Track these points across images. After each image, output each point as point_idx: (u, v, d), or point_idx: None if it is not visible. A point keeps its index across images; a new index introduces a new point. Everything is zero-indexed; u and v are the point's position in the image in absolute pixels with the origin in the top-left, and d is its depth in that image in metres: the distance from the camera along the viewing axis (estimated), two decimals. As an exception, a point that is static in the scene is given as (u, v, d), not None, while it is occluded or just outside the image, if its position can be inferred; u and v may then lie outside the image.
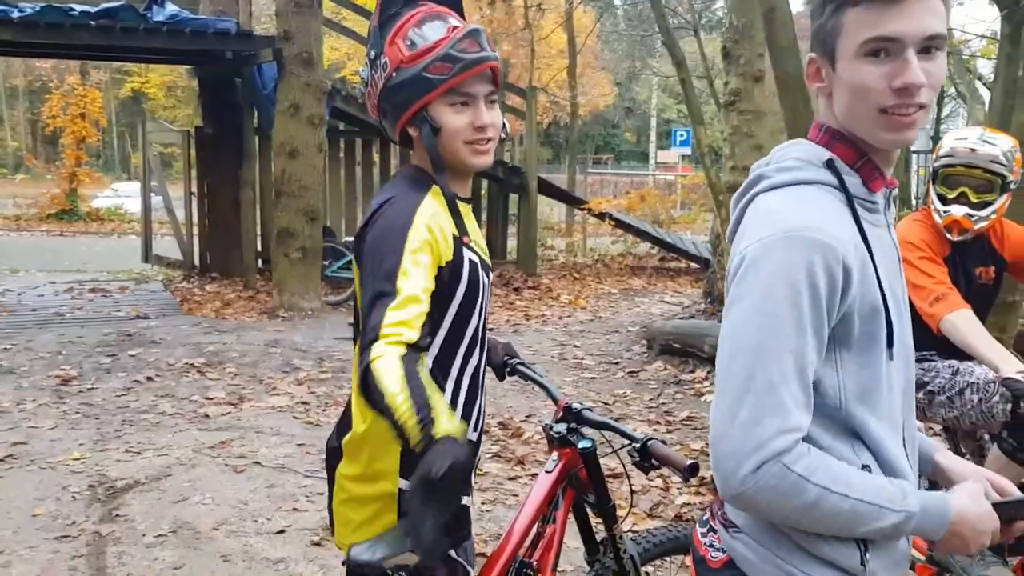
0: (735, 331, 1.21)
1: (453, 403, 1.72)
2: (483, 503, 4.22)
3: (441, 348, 1.70)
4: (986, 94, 11.74)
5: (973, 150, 2.82)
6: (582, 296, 11.02)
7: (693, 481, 4.53)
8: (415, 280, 1.54)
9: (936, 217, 2.89)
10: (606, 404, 6.09)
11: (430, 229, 1.62)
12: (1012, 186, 2.86)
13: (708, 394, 6.24)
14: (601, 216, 13.61)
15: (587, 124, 33.34)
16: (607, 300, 10.97)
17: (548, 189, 13.54)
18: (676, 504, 4.27)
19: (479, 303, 1.74)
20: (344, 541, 1.74)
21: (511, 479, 4.57)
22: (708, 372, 6.64)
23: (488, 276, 1.78)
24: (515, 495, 4.33)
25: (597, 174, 28.39)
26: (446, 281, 1.65)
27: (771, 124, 8.93)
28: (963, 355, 2.79)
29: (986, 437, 2.97)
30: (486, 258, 1.78)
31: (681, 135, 24.27)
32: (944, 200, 2.87)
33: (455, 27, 1.68)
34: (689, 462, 1.92)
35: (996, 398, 2.67)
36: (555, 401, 2.21)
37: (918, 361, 2.99)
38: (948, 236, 2.87)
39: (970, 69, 11.65)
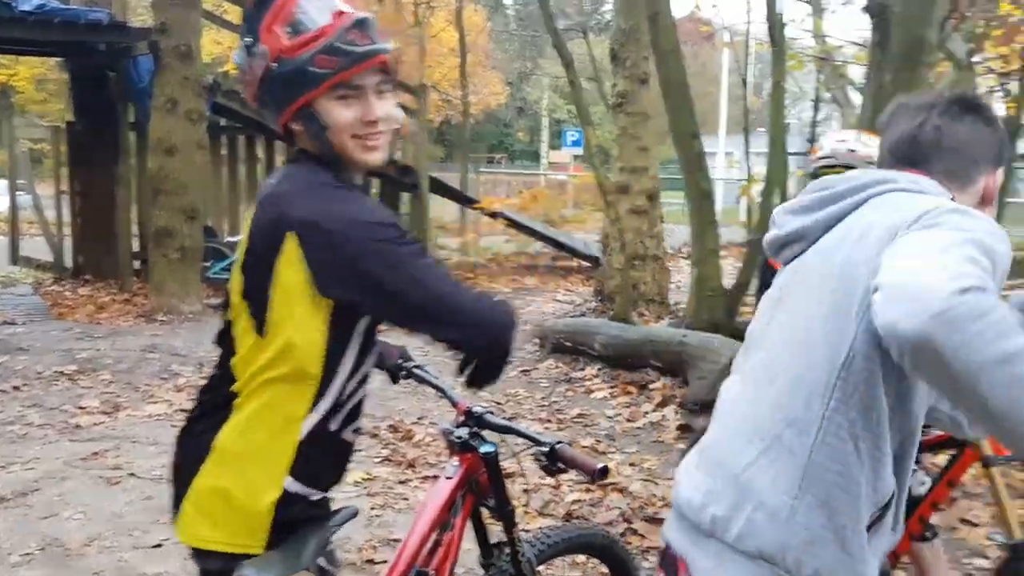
0: (943, 221, 1.15)
1: (354, 412, 1.67)
2: (372, 508, 4.14)
3: (360, 351, 1.62)
4: (858, 99, 12.35)
5: (853, 151, 2.90)
6: (474, 295, 10.98)
7: (582, 477, 4.58)
8: None
9: None
10: (498, 404, 6.08)
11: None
12: None
13: (598, 391, 6.31)
14: (494, 215, 13.64)
15: (480, 123, 33.37)
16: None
17: (440, 188, 13.47)
18: (567, 502, 4.29)
19: None
20: (199, 542, 1.60)
21: (401, 483, 4.50)
22: (598, 369, 6.72)
23: None
24: (405, 499, 4.27)
25: (490, 173, 28.44)
26: None
27: (657, 126, 9.15)
28: None
29: None
30: None
31: (572, 135, 24.56)
32: None
33: (341, 12, 1.53)
34: (599, 465, 1.92)
35: None
36: (454, 405, 2.16)
37: None
38: None
39: (843, 75, 12.20)
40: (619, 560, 2.59)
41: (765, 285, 3.21)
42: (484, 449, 2.08)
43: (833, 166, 2.93)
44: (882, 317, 1.06)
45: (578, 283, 12.47)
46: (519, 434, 2.08)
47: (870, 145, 2.94)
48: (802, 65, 8.85)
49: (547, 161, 32.76)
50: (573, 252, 14.10)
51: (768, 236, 1.48)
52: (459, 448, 2.08)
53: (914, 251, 1.11)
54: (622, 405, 5.95)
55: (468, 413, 2.13)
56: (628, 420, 5.64)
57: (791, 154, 13.71)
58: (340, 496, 4.34)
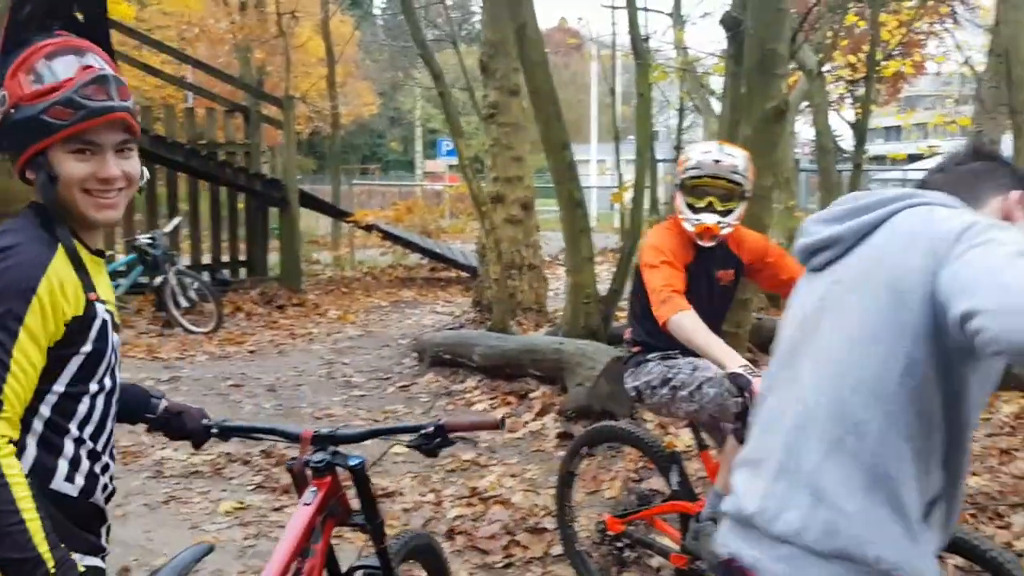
0: (991, 237, 1.25)
1: (71, 477, 1.59)
2: (246, 539, 3.98)
3: (56, 409, 1.55)
4: (719, 107, 12.82)
5: (718, 162, 3.00)
6: (351, 311, 10.81)
7: (465, 491, 4.55)
8: (17, 368, 1.45)
9: (687, 226, 3.05)
10: (376, 421, 5.97)
11: (52, 294, 1.50)
12: (747, 195, 3.10)
13: (479, 403, 6.28)
14: (368, 228, 13.45)
15: (351, 134, 32.96)
16: (377, 314, 10.83)
17: (311, 202, 13.18)
18: (449, 518, 4.25)
19: (106, 364, 1.62)
20: None
21: (276, 510, 4.34)
22: (478, 381, 6.68)
23: (118, 336, 1.68)
24: (281, 527, 4.11)
25: (364, 185, 28.09)
26: (65, 339, 1.53)
27: (529, 136, 9.23)
28: None
29: (728, 427, 3.16)
30: (117, 318, 1.67)
31: (448, 145, 24.57)
32: (693, 209, 3.03)
33: (88, 67, 1.54)
34: (499, 416, 1.98)
35: (727, 392, 2.85)
36: (296, 438, 2.09)
37: (664, 359, 3.13)
38: (700, 242, 3.05)
39: (704, 85, 12.64)
40: (438, 557, 2.60)
41: (636, 289, 3.26)
42: (352, 462, 2.07)
43: (700, 177, 3.03)
44: (1009, 339, 1.13)
45: (457, 294, 12.44)
46: (389, 432, 2.09)
47: (734, 155, 3.05)
48: (666, 75, 9.12)
49: (422, 171, 32.66)
50: (451, 263, 14.07)
51: (798, 244, 1.56)
52: (315, 474, 2.04)
53: (989, 268, 1.20)
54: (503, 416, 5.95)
55: (316, 438, 2.07)
56: (509, 431, 5.62)
57: (660, 161, 14.15)
58: (211, 528, 4.17)
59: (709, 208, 3.01)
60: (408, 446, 2.05)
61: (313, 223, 17.28)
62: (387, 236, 13.91)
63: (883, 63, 9.64)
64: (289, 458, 2.12)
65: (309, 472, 2.05)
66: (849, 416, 1.36)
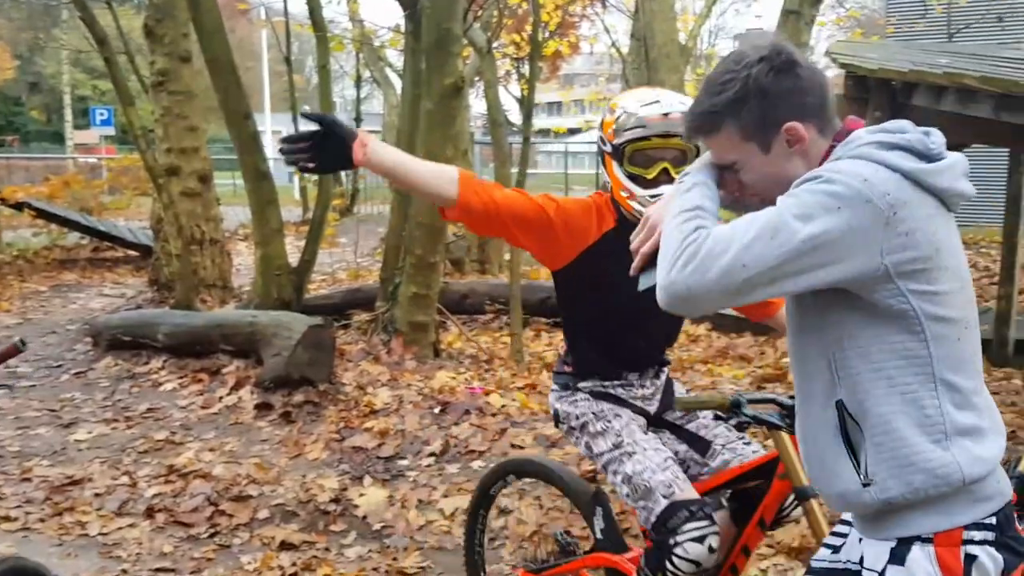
0: None
1: None
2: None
3: None
4: (396, 80, 13.15)
5: (668, 115, 2.14)
6: (3, 298, 9.76)
7: (162, 470, 4.42)
8: None
9: (636, 205, 2.18)
10: (54, 411, 5.57)
11: None
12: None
13: (167, 383, 6.06)
14: (18, 206, 12.11)
15: (-16, 101, 29.09)
16: (36, 300, 9.88)
17: (-56, 177, 11.61)
18: (147, 498, 4.16)
19: None
20: None
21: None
22: (164, 361, 6.40)
23: None
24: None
25: (3, 159, 24.97)
26: None
27: (203, 104, 8.89)
28: None
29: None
30: None
31: (101, 114, 22.57)
32: (642, 182, 2.19)
33: None
34: (14, 340, 2.10)
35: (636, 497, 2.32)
36: None
37: (596, 397, 2.46)
38: None
39: (381, 57, 12.87)
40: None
41: (563, 304, 2.46)
42: None
43: (647, 138, 2.18)
44: None
45: (126, 274, 11.68)
46: None
47: (684, 103, 2.13)
48: (343, 47, 9.22)
49: (72, 143, 29.70)
50: (118, 242, 13.10)
51: None
52: None
53: None
54: (195, 393, 5.79)
55: None
56: (203, 407, 5.52)
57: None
58: None
59: (665, 178, 2.17)
60: None
61: (-56, 203, 15.17)
62: (41, 215, 12.63)
63: (543, 42, 10.48)
64: None
65: None
66: None
